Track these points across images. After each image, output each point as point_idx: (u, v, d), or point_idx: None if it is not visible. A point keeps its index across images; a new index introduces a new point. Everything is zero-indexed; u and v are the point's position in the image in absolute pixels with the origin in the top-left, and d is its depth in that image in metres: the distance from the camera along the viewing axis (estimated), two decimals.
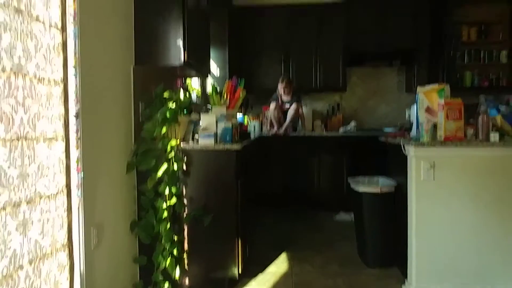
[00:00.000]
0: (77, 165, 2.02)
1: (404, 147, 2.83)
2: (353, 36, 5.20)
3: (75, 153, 2.01)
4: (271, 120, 5.13)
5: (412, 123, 3.24)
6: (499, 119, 2.89)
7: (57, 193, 1.87)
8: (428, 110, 2.87)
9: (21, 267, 1.58)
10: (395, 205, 3.13)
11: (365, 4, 5.21)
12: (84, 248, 2.05)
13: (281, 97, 5.08)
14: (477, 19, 5.21)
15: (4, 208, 1.49)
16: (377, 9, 5.18)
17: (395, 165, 3.21)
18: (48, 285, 1.78)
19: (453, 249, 2.72)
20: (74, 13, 2.03)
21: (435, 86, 2.87)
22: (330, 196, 5.00)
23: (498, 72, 5.26)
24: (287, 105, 5.07)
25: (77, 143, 2.02)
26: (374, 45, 5.18)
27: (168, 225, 2.65)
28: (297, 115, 5.09)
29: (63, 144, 1.94)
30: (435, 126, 2.78)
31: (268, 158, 4.99)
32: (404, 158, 2.85)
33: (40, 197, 1.73)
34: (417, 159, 2.73)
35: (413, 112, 3.21)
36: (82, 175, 2.04)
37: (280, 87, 5.01)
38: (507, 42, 5.16)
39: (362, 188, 3.25)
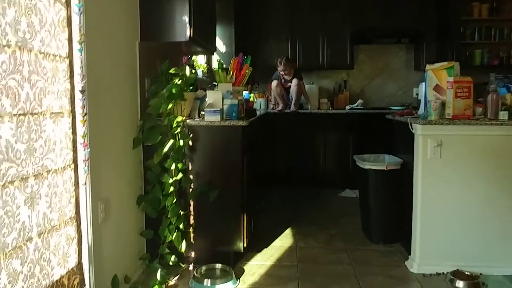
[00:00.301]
0: (84, 140, 2.03)
1: (411, 125, 2.81)
2: (360, 13, 5.12)
3: (81, 129, 2.02)
4: (275, 98, 5.10)
5: (420, 102, 3.21)
6: (509, 97, 2.85)
7: (64, 168, 1.89)
8: (437, 88, 2.84)
9: (30, 239, 1.62)
10: (400, 183, 3.13)
11: None
12: (91, 221, 2.09)
13: (283, 77, 5.03)
14: None
15: (12, 182, 1.51)
16: None
17: (401, 143, 3.19)
18: (57, 256, 1.82)
19: (457, 228, 2.73)
20: None
21: (444, 63, 2.84)
22: (336, 174, 5.01)
23: (509, 50, 5.17)
24: (289, 84, 5.03)
25: (83, 119, 2.03)
26: (381, 23, 5.09)
27: (174, 200, 2.68)
28: (300, 91, 5.04)
29: (70, 119, 1.95)
30: (443, 104, 2.75)
31: (274, 135, 4.99)
32: (411, 136, 2.83)
33: (48, 172, 1.75)
34: (424, 137, 2.72)
35: (421, 90, 3.18)
36: (88, 150, 2.05)
37: (279, 70, 4.96)
38: None
39: (368, 165, 3.25)
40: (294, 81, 4.95)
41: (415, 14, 5.07)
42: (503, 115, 2.68)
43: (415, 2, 5.06)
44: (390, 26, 5.11)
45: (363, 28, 5.14)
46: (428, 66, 2.92)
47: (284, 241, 3.35)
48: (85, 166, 2.03)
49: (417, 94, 5.00)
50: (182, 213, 2.74)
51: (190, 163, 2.79)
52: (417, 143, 2.78)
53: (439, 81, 2.83)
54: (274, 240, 3.37)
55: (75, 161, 1.98)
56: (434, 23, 5.18)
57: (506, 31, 5.12)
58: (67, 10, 1.95)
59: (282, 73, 4.95)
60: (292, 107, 5.06)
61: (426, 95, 2.92)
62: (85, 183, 2.04)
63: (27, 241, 1.60)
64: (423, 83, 2.99)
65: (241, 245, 2.85)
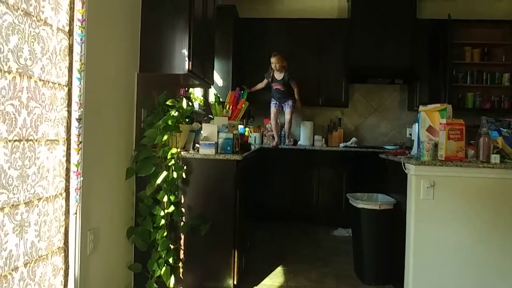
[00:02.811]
0: (77, 169, 2.02)
1: (404, 165, 2.83)
2: (355, 53, 5.22)
3: (75, 157, 2.01)
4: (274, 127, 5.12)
5: (413, 142, 3.24)
6: (500, 141, 2.89)
7: (55, 196, 1.87)
8: (430, 129, 2.88)
9: (16, 268, 1.57)
10: (393, 223, 3.12)
11: (367, 22, 5.22)
12: (80, 252, 2.04)
13: (273, 75, 4.93)
14: (480, 41, 5.25)
15: (2, 209, 1.48)
16: (379, 28, 5.19)
17: (394, 182, 3.20)
18: None
19: (450, 270, 2.70)
20: (82, 18, 2.05)
21: (437, 105, 2.89)
22: (329, 211, 4.98)
23: (500, 94, 5.28)
24: (278, 84, 4.93)
25: (78, 147, 2.03)
26: (375, 63, 5.19)
27: (165, 233, 2.64)
28: (291, 118, 5.05)
29: (64, 147, 1.95)
30: (436, 146, 2.78)
31: (268, 171, 4.98)
32: (404, 176, 2.84)
33: (39, 199, 1.73)
34: (417, 177, 2.73)
35: (414, 131, 3.22)
36: (81, 179, 2.04)
37: (273, 62, 4.83)
38: (510, 65, 5.18)
39: (361, 204, 3.24)
40: (288, 110, 4.96)
41: (409, 56, 5.18)
42: (495, 158, 2.71)
43: (409, 44, 5.19)
44: (385, 66, 5.21)
45: (359, 67, 5.24)
46: (421, 107, 2.97)
47: (274, 279, 3.28)
48: (76, 195, 2.01)
49: (410, 134, 5.05)
50: (172, 246, 2.69)
51: (182, 196, 2.77)
52: (410, 183, 2.79)
53: (432, 122, 2.88)
54: (264, 278, 3.30)
55: (67, 189, 1.96)
56: (428, 65, 5.31)
57: (497, 75, 5.25)
58: (69, 39, 1.99)
59: (274, 66, 4.84)
60: (286, 141, 5.09)
61: (419, 135, 2.96)
62: (76, 213, 2.01)
63: (13, 270, 1.55)
64: (416, 124, 3.03)
65: (231, 282, 2.79)
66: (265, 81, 5.00)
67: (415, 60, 5.19)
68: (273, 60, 4.83)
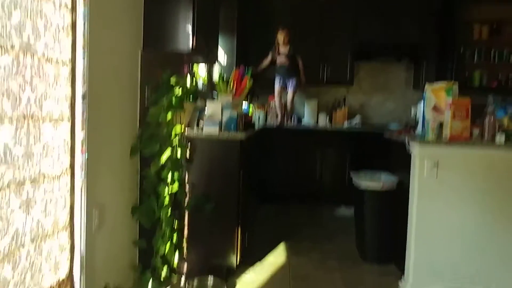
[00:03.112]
0: (82, 146, 2.02)
1: (408, 144, 2.82)
2: (362, 30, 5.16)
3: (80, 135, 2.01)
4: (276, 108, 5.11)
5: (418, 121, 3.22)
6: (506, 120, 2.87)
7: (61, 174, 1.87)
8: (435, 108, 2.85)
9: (23, 245, 1.59)
10: (396, 202, 3.13)
11: None
12: (85, 229, 2.06)
13: (278, 48, 4.95)
14: (489, 17, 5.14)
15: (8, 186, 1.49)
16: (386, 4, 5.12)
17: (398, 162, 3.20)
18: (49, 264, 1.79)
19: (452, 250, 2.72)
20: None
21: (443, 84, 2.86)
22: (332, 190, 5.00)
23: (508, 73, 5.21)
24: (284, 58, 4.94)
25: (83, 125, 2.02)
26: (382, 39, 5.13)
27: (169, 211, 2.66)
28: (293, 98, 5.07)
29: (69, 125, 1.94)
30: (441, 125, 2.76)
31: (272, 150, 4.99)
32: (408, 156, 2.84)
33: (44, 177, 1.74)
34: (421, 157, 2.72)
35: (419, 110, 3.19)
36: (86, 157, 2.04)
37: (280, 36, 4.88)
38: None
39: (364, 183, 3.25)
40: (291, 88, 4.94)
41: (416, 33, 5.11)
42: (500, 138, 2.69)
43: (416, 21, 5.11)
44: (390, 43, 5.15)
45: (364, 44, 5.18)
46: (427, 85, 2.94)
47: (277, 257, 3.33)
48: (82, 172, 2.02)
49: (415, 113, 5.03)
50: (176, 225, 2.72)
51: (186, 174, 2.78)
52: (413, 163, 2.78)
53: (437, 101, 2.85)
54: (267, 255, 3.34)
55: (72, 167, 1.96)
56: (435, 42, 5.23)
57: (505, 53, 5.16)
58: (72, 15, 1.96)
59: (282, 40, 4.87)
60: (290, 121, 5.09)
61: (424, 114, 2.93)
62: (81, 190, 2.02)
63: (20, 246, 1.57)
64: (422, 102, 3.00)
65: (234, 259, 2.83)
66: (270, 56, 4.96)
67: (421, 35, 5.12)
68: (282, 32, 4.83)
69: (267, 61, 4.99)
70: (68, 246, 1.96)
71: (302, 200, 5.01)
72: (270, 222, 4.32)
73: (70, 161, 1.95)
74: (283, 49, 4.88)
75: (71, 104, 1.95)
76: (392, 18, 5.11)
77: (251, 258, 3.19)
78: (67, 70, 1.92)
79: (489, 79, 5.22)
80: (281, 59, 4.91)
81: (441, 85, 2.86)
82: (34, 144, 1.66)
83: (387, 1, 5.12)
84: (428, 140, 2.73)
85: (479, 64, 5.22)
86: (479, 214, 2.70)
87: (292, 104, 5.04)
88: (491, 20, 5.15)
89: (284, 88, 4.99)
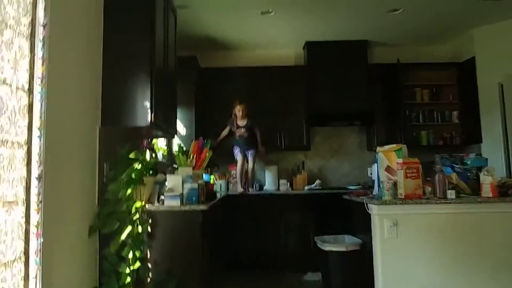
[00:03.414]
0: (37, 229, 1.95)
1: (367, 205, 2.90)
2: (314, 98, 5.42)
3: (35, 217, 1.94)
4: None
5: (374, 182, 3.34)
6: (454, 177, 3.04)
7: (14, 260, 1.78)
8: (388, 169, 2.99)
9: None
10: (361, 263, 3.14)
11: (322, 69, 5.49)
12: None
13: (236, 121, 5.04)
14: (428, 82, 5.61)
15: None
16: (334, 74, 5.46)
17: (359, 222, 3.26)
18: None
19: None
20: (42, 76, 2.05)
21: (393, 146, 3.02)
22: (298, 256, 4.95)
23: (451, 131, 5.59)
24: (242, 130, 5.03)
25: (38, 207, 1.96)
26: (334, 107, 5.40)
27: None
28: (254, 167, 5.15)
29: (24, 208, 1.88)
30: (395, 185, 2.88)
31: (235, 217, 4.95)
32: (368, 216, 2.91)
33: None
34: (380, 217, 2.80)
35: (374, 171, 3.32)
36: (41, 241, 1.96)
37: (238, 109, 4.97)
38: (457, 103, 5.53)
39: (328, 247, 3.26)
40: (251, 157, 5.02)
41: (365, 99, 5.41)
42: (451, 194, 2.83)
43: (364, 88, 5.44)
44: (342, 109, 5.42)
45: (318, 111, 5.43)
46: (378, 148, 3.10)
47: None
48: (36, 258, 1.93)
49: (371, 174, 5.21)
50: None
51: (148, 251, 2.70)
52: (374, 223, 2.85)
53: (389, 162, 3.00)
54: None
55: (26, 252, 1.88)
56: (383, 106, 5.57)
57: (447, 114, 5.57)
58: (29, 98, 1.97)
59: (239, 114, 4.96)
60: (250, 190, 5.12)
61: (379, 175, 3.06)
62: (36, 277, 1.92)
63: None
64: (376, 164, 3.14)
65: None
66: (228, 128, 5.08)
67: (370, 102, 5.44)
68: (238, 107, 4.97)
69: (225, 132, 5.12)
70: None
71: (269, 267, 4.92)
72: None
73: (24, 247, 1.87)
74: (241, 122, 5.03)
75: (26, 186, 1.91)
76: (340, 86, 5.43)
77: None
78: (22, 152, 1.90)
79: (435, 138, 5.56)
80: (239, 131, 5.03)
81: (391, 147, 3.02)
82: None
83: (334, 71, 5.46)
84: (384, 200, 2.83)
85: (424, 125, 5.58)
86: (440, 268, 2.76)
87: (253, 172, 5.11)
88: (431, 85, 5.60)
89: (244, 157, 5.07)
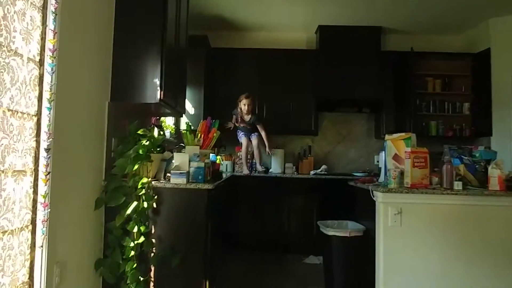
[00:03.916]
0: (44, 200, 1.97)
1: (372, 192, 2.90)
2: (324, 83, 5.37)
3: (43, 188, 1.97)
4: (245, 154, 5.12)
5: (381, 169, 3.33)
6: (462, 168, 3.02)
7: (21, 229, 1.81)
8: (396, 157, 2.97)
9: None
10: (363, 250, 3.16)
11: (334, 54, 5.42)
12: (45, 287, 1.97)
13: (241, 115, 4.97)
14: (441, 72, 5.52)
15: None
16: (346, 60, 5.39)
17: (363, 209, 3.26)
18: None
19: None
20: (53, 48, 2.05)
21: (402, 134, 3.00)
22: (300, 239, 4.99)
23: (462, 123, 5.53)
24: (245, 124, 4.98)
25: (46, 178, 1.99)
26: (343, 93, 5.35)
27: (135, 265, 2.58)
28: (259, 148, 5.11)
29: (32, 178, 1.91)
30: (402, 173, 2.87)
31: (240, 198, 4.98)
32: (373, 203, 2.91)
33: (3, 233, 1.67)
34: (384, 204, 2.80)
35: (381, 158, 3.31)
36: (48, 211, 1.99)
37: (244, 104, 4.86)
38: (469, 95, 5.46)
39: (331, 232, 3.28)
40: (254, 140, 5.00)
41: (375, 86, 5.36)
42: (458, 185, 2.82)
43: (375, 75, 5.38)
44: (352, 96, 5.38)
45: (327, 96, 5.39)
46: (387, 136, 3.08)
47: None
48: (43, 227, 1.96)
49: (378, 162, 5.20)
50: (142, 279, 2.63)
51: (153, 226, 2.73)
52: (378, 210, 2.85)
53: (397, 150, 2.98)
54: None
55: (33, 222, 1.91)
56: (393, 95, 5.52)
57: (458, 105, 5.51)
58: (39, 69, 1.98)
59: (245, 108, 4.89)
60: (258, 168, 5.11)
61: (386, 163, 3.05)
62: (42, 246, 1.95)
63: None
64: (383, 152, 3.13)
65: None
66: (232, 123, 5.02)
67: (380, 90, 5.38)
68: (245, 101, 4.85)
69: (231, 124, 5.03)
70: None
71: (271, 248, 4.96)
72: (238, 272, 4.23)
73: (32, 216, 1.90)
74: (246, 118, 4.94)
75: (35, 157, 1.93)
76: (351, 72, 5.37)
77: None
78: (32, 123, 1.91)
79: (444, 129, 5.51)
80: (243, 124, 4.98)
81: (399, 135, 3.00)
82: None
83: (347, 56, 5.40)
84: (390, 188, 2.82)
85: (434, 115, 5.52)
86: (443, 258, 2.77)
87: (259, 149, 5.06)
88: (443, 75, 5.52)
89: (249, 139, 5.04)
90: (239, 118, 4.96)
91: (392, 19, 5.28)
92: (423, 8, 4.86)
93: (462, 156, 3.12)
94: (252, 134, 5.01)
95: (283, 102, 5.48)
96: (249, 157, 5.17)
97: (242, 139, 5.00)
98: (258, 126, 4.98)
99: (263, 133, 5.02)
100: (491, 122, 5.09)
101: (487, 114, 5.13)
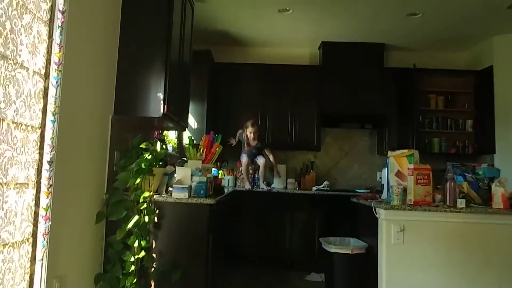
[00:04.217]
0: (46, 213, 1.97)
1: (375, 209, 2.88)
2: (327, 99, 5.38)
3: (45, 201, 1.97)
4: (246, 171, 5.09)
5: (383, 186, 3.32)
6: (465, 186, 3.00)
7: (22, 242, 1.80)
8: (398, 174, 2.96)
9: None
10: (366, 267, 3.13)
11: (337, 70, 5.44)
12: None
13: (247, 141, 4.92)
14: (444, 89, 5.53)
15: None
16: (348, 76, 5.40)
17: (366, 226, 3.24)
18: None
19: None
20: (59, 62, 2.07)
21: (405, 151, 2.99)
22: (302, 256, 4.94)
23: (464, 140, 5.51)
24: (251, 147, 4.92)
25: (48, 190, 1.98)
26: (346, 109, 5.36)
27: (135, 280, 2.56)
28: (269, 165, 5.08)
29: (34, 190, 1.90)
30: (405, 190, 2.86)
31: (241, 213, 4.95)
32: (375, 220, 2.89)
33: (4, 245, 1.67)
34: (387, 221, 2.78)
35: (384, 175, 3.30)
36: (49, 224, 1.98)
37: (250, 132, 4.82)
38: (472, 112, 5.45)
39: (333, 249, 3.25)
40: (261, 159, 4.97)
41: (378, 102, 5.36)
42: (461, 203, 2.80)
43: (378, 91, 5.38)
44: (355, 111, 5.38)
45: (330, 112, 5.40)
46: (389, 153, 3.07)
47: None
48: (44, 240, 1.95)
49: (380, 178, 5.18)
50: None
51: (154, 241, 2.71)
52: (380, 227, 2.83)
53: (400, 167, 2.97)
54: None
55: (34, 234, 1.90)
56: (396, 111, 5.52)
57: (461, 122, 5.50)
58: (44, 82, 1.99)
59: (251, 136, 4.84)
60: (263, 186, 5.08)
61: (388, 180, 3.03)
62: (42, 259, 1.94)
63: None
64: (386, 168, 3.11)
65: None
66: (246, 159, 4.94)
67: (383, 106, 5.38)
68: (251, 129, 4.81)
69: (246, 167, 4.99)
70: None
71: (272, 264, 4.92)
72: (240, 287, 4.19)
73: (33, 229, 1.89)
74: (252, 143, 4.91)
75: (37, 169, 1.93)
76: (354, 88, 5.39)
77: None
78: (36, 135, 1.91)
79: (447, 146, 5.50)
80: (250, 147, 4.94)
81: (402, 152, 2.99)
82: None
83: (349, 72, 5.42)
84: (393, 205, 2.81)
85: (437, 132, 5.51)
86: (447, 276, 2.73)
87: (265, 168, 5.02)
88: (446, 91, 5.53)
89: (252, 161, 5.00)
90: (245, 143, 4.93)
91: (395, 36, 5.31)
92: (426, 25, 4.90)
93: (465, 174, 3.11)
94: (258, 156, 4.97)
95: (285, 117, 5.49)
96: (251, 172, 5.16)
97: (243, 157, 4.95)
98: (266, 151, 4.96)
99: (271, 157, 4.98)
100: (494, 139, 5.07)
101: (490, 132, 5.12)
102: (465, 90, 5.51)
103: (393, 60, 5.78)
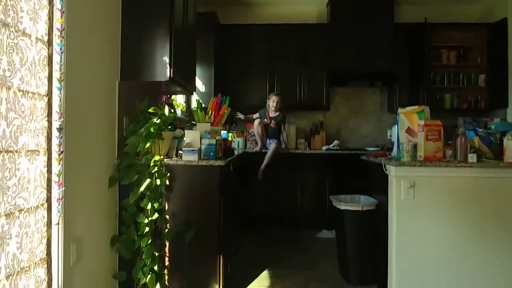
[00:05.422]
0: (59, 179, 2.01)
1: (385, 166, 2.88)
2: (336, 57, 5.29)
3: (57, 167, 2.00)
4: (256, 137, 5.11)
5: (393, 143, 3.30)
6: (476, 141, 2.97)
7: (37, 207, 1.85)
8: (409, 130, 2.94)
9: None
10: (376, 223, 3.16)
11: (345, 27, 5.31)
12: (63, 263, 2.03)
13: (268, 112, 5.03)
14: (456, 43, 5.38)
15: None
16: (358, 32, 5.28)
17: (376, 183, 3.25)
18: None
19: (433, 269, 2.75)
20: (61, 28, 2.04)
21: (415, 107, 2.95)
22: (313, 214, 5.02)
23: (477, 95, 5.41)
24: (272, 121, 5.03)
25: (59, 157, 2.01)
26: (355, 67, 5.27)
27: (149, 241, 2.63)
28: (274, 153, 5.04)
29: (45, 157, 1.93)
30: (415, 147, 2.84)
31: (252, 175, 4.99)
32: (385, 177, 2.89)
33: (20, 211, 1.71)
34: (397, 178, 2.78)
35: (394, 132, 3.27)
36: (63, 189, 2.02)
37: (273, 100, 4.93)
38: (485, 66, 5.32)
39: (343, 206, 3.28)
40: (273, 144, 4.93)
41: (389, 59, 5.26)
42: (472, 158, 2.78)
43: (388, 47, 5.27)
44: (364, 69, 5.29)
45: (339, 70, 5.32)
46: (400, 110, 3.03)
47: (260, 283, 3.30)
48: (58, 205, 2.00)
49: (390, 136, 5.15)
50: (157, 254, 2.69)
51: (166, 203, 2.77)
52: (391, 184, 2.83)
53: (410, 124, 2.94)
54: (250, 282, 3.31)
55: (48, 200, 1.94)
56: (406, 67, 5.42)
57: (473, 77, 5.39)
58: (48, 49, 1.98)
59: (274, 103, 4.92)
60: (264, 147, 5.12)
61: (398, 137, 3.01)
62: (58, 223, 2.00)
63: None
64: (396, 125, 3.09)
65: (217, 287, 2.79)
66: (258, 120, 4.99)
67: (393, 63, 5.27)
68: (274, 98, 4.94)
69: (259, 128, 4.98)
70: (45, 281, 1.91)
71: (284, 223, 5.01)
72: (252, 247, 4.29)
73: (47, 194, 1.93)
74: (273, 114, 5.00)
75: (47, 136, 1.95)
76: (364, 45, 5.27)
77: (234, 285, 3.15)
78: (43, 103, 1.92)
79: (459, 102, 5.41)
80: (268, 121, 5.02)
81: (413, 108, 2.95)
82: (9, 178, 1.64)
83: (359, 29, 5.28)
84: (403, 161, 2.80)
85: (449, 87, 5.41)
86: (457, 231, 2.75)
87: (270, 158, 5.00)
88: (458, 46, 5.38)
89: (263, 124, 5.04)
90: (267, 118, 4.97)
91: None
92: None
93: (477, 129, 3.07)
94: (271, 140, 5.02)
95: (294, 77, 5.44)
96: (260, 132, 5.16)
97: (255, 122, 4.97)
98: (282, 125, 5.06)
99: (284, 134, 5.14)
100: (507, 93, 4.97)
101: (503, 86, 5.00)
102: (478, 44, 5.36)
103: (403, 15, 5.61)
